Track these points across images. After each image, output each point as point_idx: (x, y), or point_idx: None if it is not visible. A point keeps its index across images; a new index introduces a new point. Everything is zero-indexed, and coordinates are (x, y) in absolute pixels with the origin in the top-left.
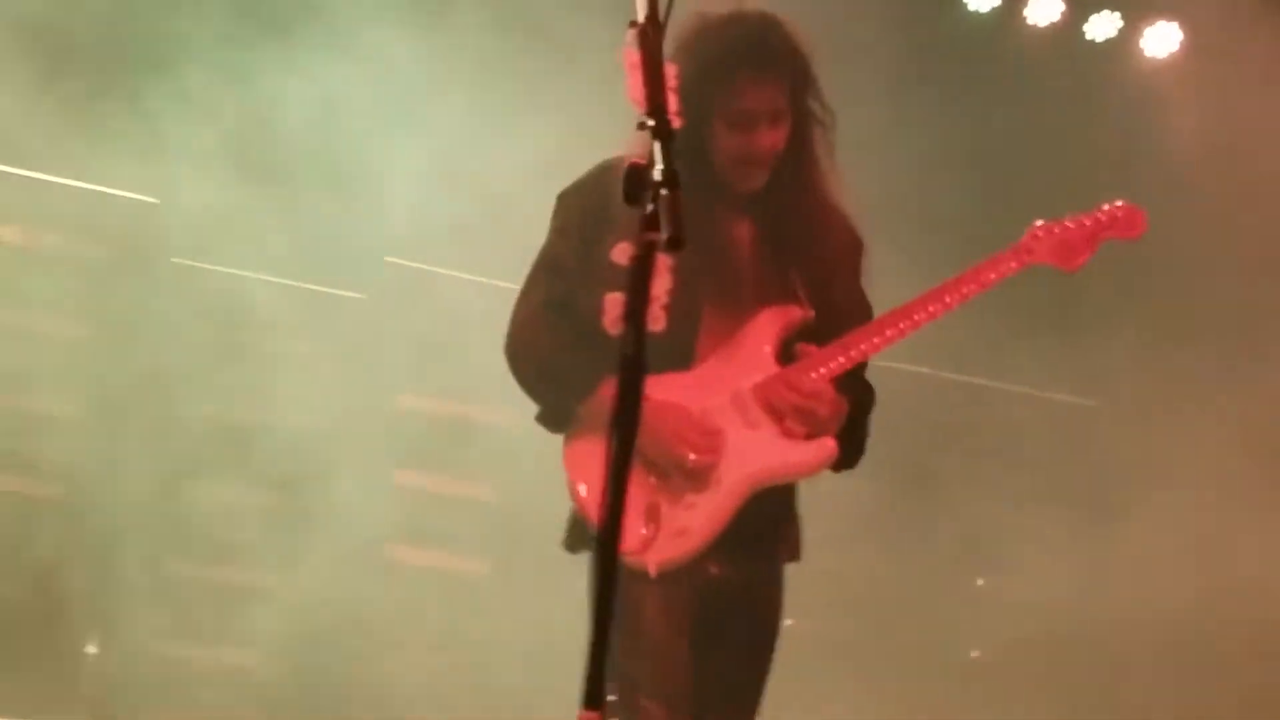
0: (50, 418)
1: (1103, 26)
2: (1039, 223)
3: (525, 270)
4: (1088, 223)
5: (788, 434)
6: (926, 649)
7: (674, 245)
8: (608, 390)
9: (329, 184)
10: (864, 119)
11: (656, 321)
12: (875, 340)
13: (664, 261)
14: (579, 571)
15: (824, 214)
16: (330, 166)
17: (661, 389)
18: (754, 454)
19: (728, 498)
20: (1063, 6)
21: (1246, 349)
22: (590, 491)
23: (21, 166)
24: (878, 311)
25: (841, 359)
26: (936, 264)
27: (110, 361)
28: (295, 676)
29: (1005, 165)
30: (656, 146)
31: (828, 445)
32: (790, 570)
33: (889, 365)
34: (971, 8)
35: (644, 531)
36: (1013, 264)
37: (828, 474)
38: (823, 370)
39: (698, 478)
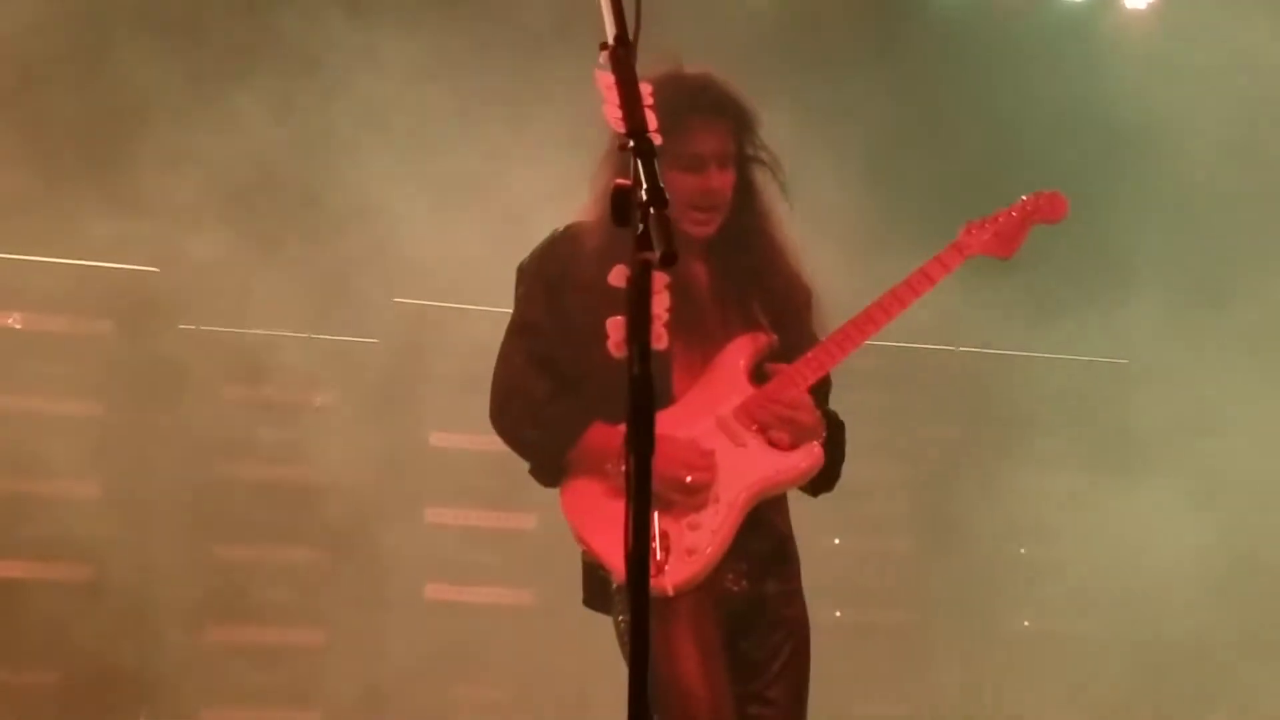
0: (73, 500)
1: None
2: (971, 221)
3: None
4: (1015, 214)
5: (775, 444)
6: (978, 624)
7: (667, 261)
8: (595, 434)
9: (326, 231)
10: (839, 86)
11: (659, 340)
12: (844, 346)
13: (660, 279)
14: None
15: (776, 260)
16: (325, 212)
17: None
18: (746, 468)
19: (729, 512)
20: None
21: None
22: (596, 533)
23: (13, 250)
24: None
25: (815, 367)
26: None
27: (126, 435)
28: None
29: (995, 132)
30: (639, 165)
31: (814, 451)
32: (835, 563)
33: (912, 346)
34: None
35: (658, 558)
36: (954, 260)
37: (863, 462)
38: (799, 381)
39: (697, 498)
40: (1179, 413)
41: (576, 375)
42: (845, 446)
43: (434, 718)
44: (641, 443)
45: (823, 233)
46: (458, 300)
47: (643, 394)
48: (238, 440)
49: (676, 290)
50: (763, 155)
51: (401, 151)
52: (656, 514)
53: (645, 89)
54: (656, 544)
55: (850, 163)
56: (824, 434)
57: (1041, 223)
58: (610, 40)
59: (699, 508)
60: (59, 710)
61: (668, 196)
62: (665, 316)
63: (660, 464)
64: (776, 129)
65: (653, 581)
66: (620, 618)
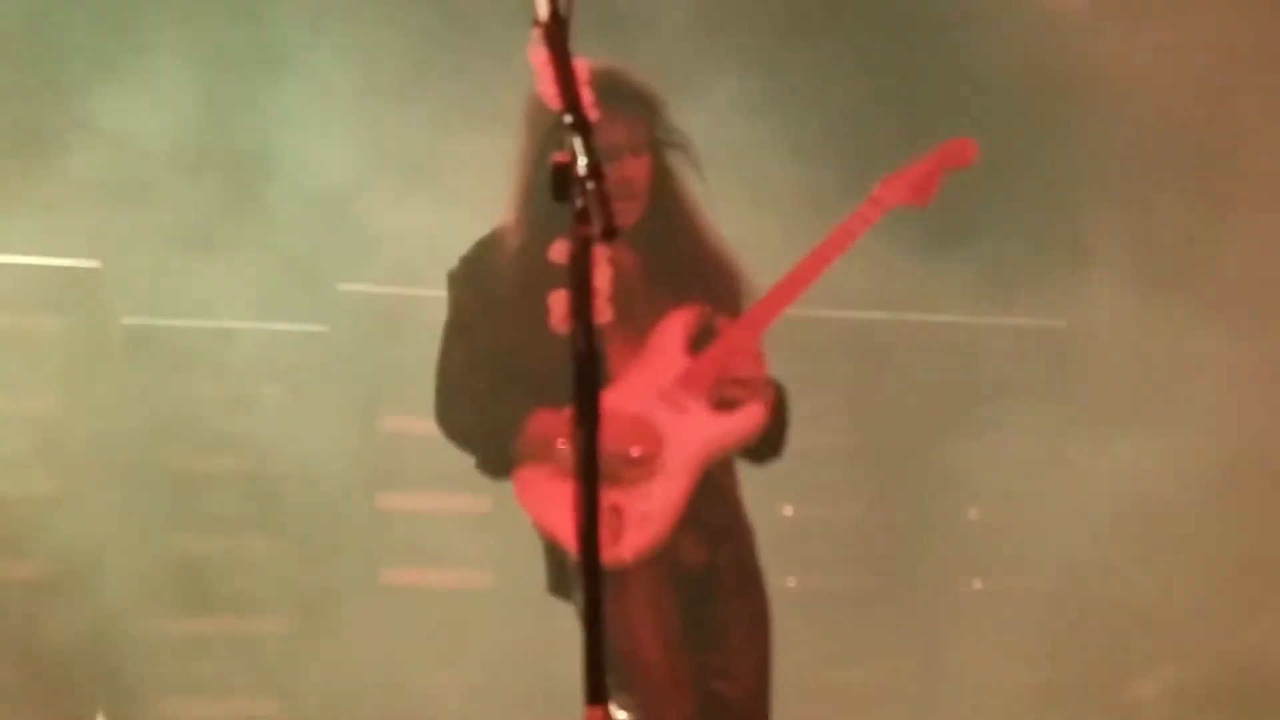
0: (30, 499)
1: None
2: (885, 175)
3: None
4: (925, 162)
5: (732, 402)
6: (930, 588)
7: (608, 235)
8: (538, 420)
9: (271, 219)
10: (779, 54)
11: (603, 313)
12: (773, 308)
13: (602, 253)
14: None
15: (700, 242)
16: (270, 201)
17: None
18: (691, 434)
19: (678, 477)
20: None
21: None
22: (550, 515)
23: None
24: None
25: (747, 330)
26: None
27: (79, 431)
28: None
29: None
30: (577, 141)
31: (755, 412)
32: (788, 532)
33: (858, 315)
34: None
35: (615, 528)
36: (873, 214)
37: (812, 431)
38: (734, 343)
39: (645, 469)
40: (1128, 378)
41: (513, 369)
42: (788, 413)
43: (394, 704)
44: (589, 414)
45: (760, 200)
46: (406, 285)
47: (588, 367)
48: (188, 432)
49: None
50: (675, 138)
51: (349, 134)
52: (608, 489)
53: (581, 65)
54: (611, 517)
55: (790, 132)
56: (772, 391)
57: (952, 168)
58: (543, 17)
59: (649, 478)
60: (13, 709)
61: (605, 171)
62: (607, 290)
63: (605, 440)
64: (714, 99)
65: (611, 552)
66: (576, 594)
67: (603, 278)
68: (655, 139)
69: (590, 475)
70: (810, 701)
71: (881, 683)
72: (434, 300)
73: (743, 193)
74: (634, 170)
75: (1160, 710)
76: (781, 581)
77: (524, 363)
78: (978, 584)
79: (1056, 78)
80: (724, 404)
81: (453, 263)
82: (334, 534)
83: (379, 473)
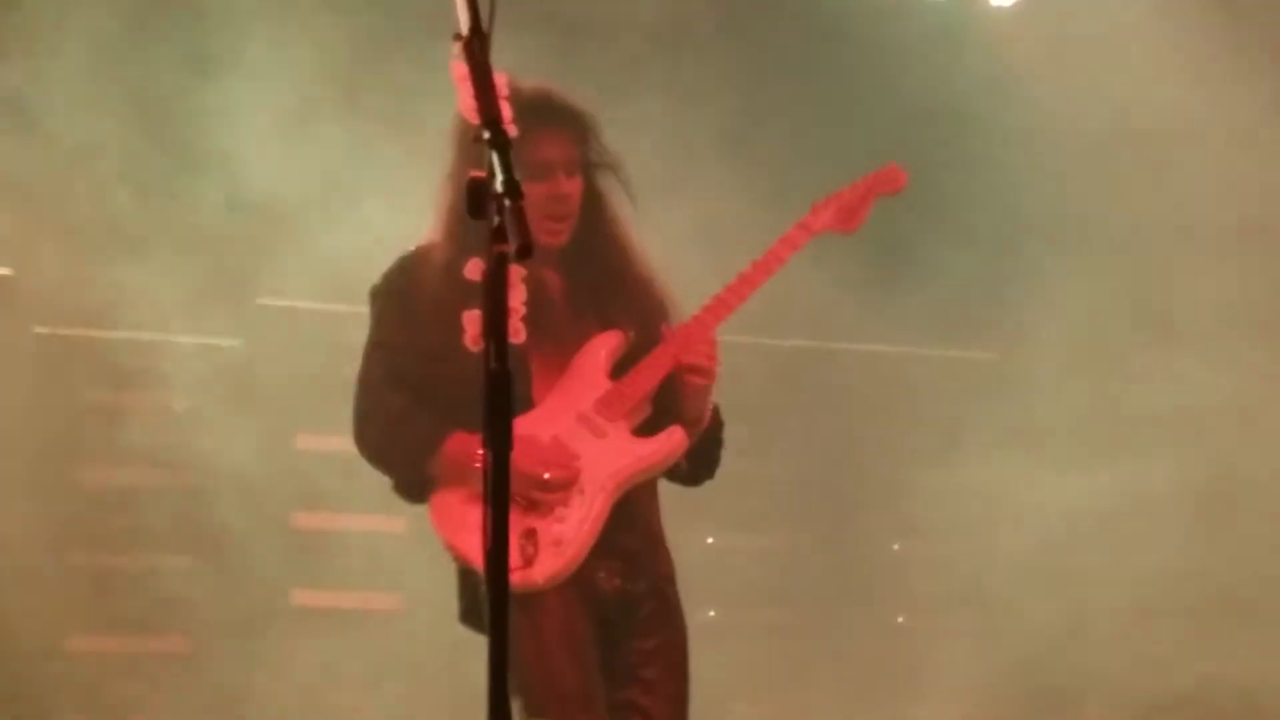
0: None
1: None
2: (817, 201)
3: None
4: (858, 187)
5: (642, 431)
6: (853, 622)
7: (523, 254)
8: (454, 442)
9: (188, 229)
10: (700, 68)
11: (516, 334)
12: (700, 332)
13: (516, 272)
14: None
15: (628, 266)
16: (189, 212)
17: None
18: (609, 457)
19: (593, 501)
20: None
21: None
22: (463, 537)
23: None
24: None
25: (668, 357)
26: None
27: None
28: None
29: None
30: (494, 157)
31: (675, 434)
32: (708, 562)
33: (782, 344)
34: None
35: (529, 551)
36: (801, 238)
37: (739, 459)
38: (659, 367)
39: (559, 494)
40: (1058, 412)
41: (433, 389)
42: (723, 433)
43: None
44: (499, 436)
45: (690, 228)
46: (323, 300)
47: (500, 387)
48: (97, 446)
49: (531, 300)
50: (607, 159)
51: (274, 145)
52: (523, 512)
53: (501, 80)
54: (525, 541)
55: (711, 145)
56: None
57: (883, 194)
58: (464, 31)
59: (564, 502)
60: None
61: (523, 189)
62: (522, 310)
63: (519, 462)
64: (642, 108)
65: (522, 574)
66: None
67: (517, 297)
68: (588, 160)
69: (500, 497)
70: None
71: (798, 716)
72: (356, 316)
73: (674, 219)
74: (568, 188)
75: None
76: (702, 612)
77: (443, 383)
78: (901, 619)
79: (992, 111)
80: (644, 428)
81: (371, 278)
82: (247, 553)
83: (295, 491)
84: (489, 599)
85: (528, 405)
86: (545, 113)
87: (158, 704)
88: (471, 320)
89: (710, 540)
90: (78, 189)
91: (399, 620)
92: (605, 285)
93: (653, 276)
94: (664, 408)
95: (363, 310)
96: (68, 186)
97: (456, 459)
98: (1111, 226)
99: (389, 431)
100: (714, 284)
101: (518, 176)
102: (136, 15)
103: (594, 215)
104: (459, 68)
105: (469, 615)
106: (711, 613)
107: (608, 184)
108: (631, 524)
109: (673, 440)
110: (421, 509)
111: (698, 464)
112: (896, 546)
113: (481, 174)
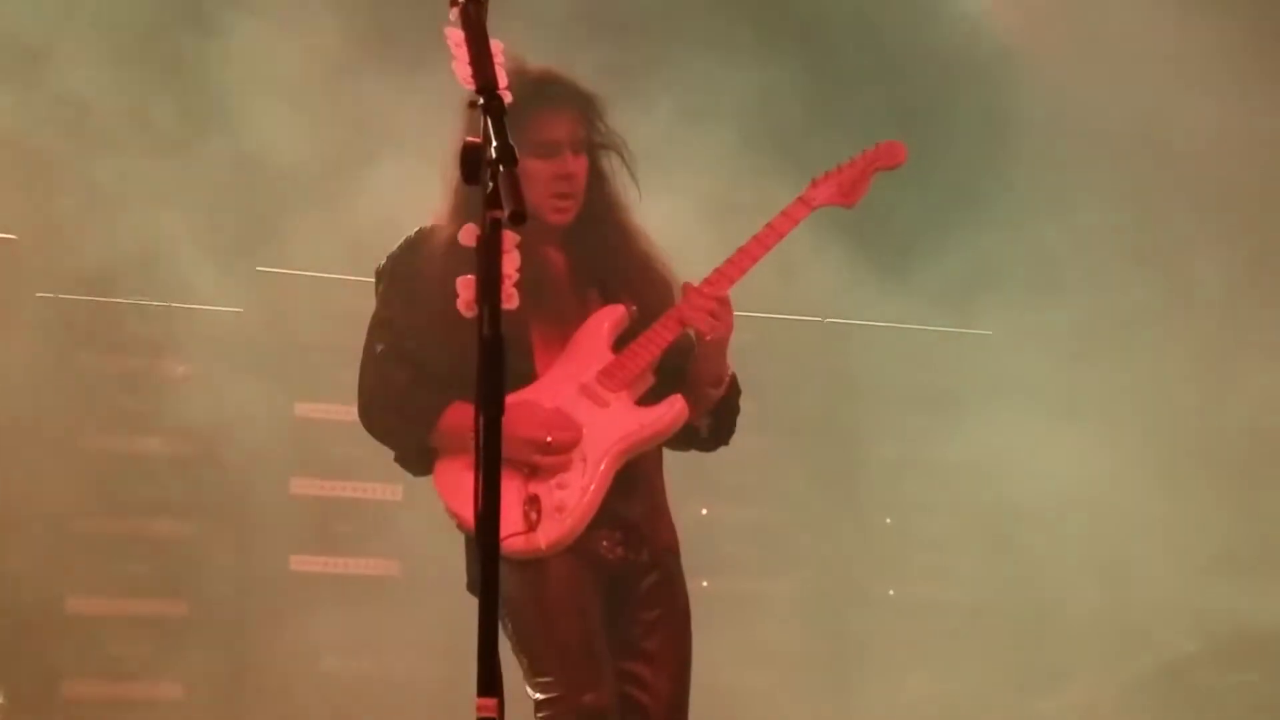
0: None
1: None
2: (816, 177)
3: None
4: (858, 162)
5: (644, 401)
6: (844, 594)
7: (516, 220)
8: (455, 412)
9: (190, 196)
10: (709, 45)
11: (510, 299)
12: (710, 294)
13: (510, 238)
14: None
15: (631, 246)
16: (192, 177)
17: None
18: (611, 426)
19: (595, 468)
20: None
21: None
22: (467, 505)
23: None
24: None
25: (670, 329)
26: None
27: None
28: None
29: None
30: (489, 123)
31: (677, 403)
32: (702, 533)
33: (778, 317)
34: None
35: (533, 517)
36: (801, 212)
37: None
38: (660, 341)
39: (561, 458)
40: (1049, 391)
41: (435, 364)
42: (738, 400)
43: (299, 690)
44: (493, 399)
45: (692, 206)
46: (323, 269)
47: (493, 353)
48: (99, 411)
49: (534, 274)
50: (611, 140)
51: (279, 111)
52: (525, 477)
53: (496, 47)
54: (528, 507)
55: (719, 119)
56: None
57: (882, 169)
58: None
59: (565, 468)
60: None
61: (517, 155)
62: (515, 276)
63: (521, 428)
64: (649, 84)
65: (526, 539)
66: None
67: (511, 263)
68: (592, 141)
69: (492, 459)
70: (719, 705)
71: (791, 687)
72: (357, 285)
73: (675, 198)
74: (574, 167)
75: None
76: (695, 582)
77: (445, 356)
78: (891, 591)
79: (998, 88)
80: (647, 398)
81: (376, 247)
82: (246, 518)
83: (293, 458)
84: (479, 559)
85: (530, 378)
86: (552, 93)
87: (158, 666)
88: (465, 285)
89: (704, 512)
90: (82, 154)
91: (394, 585)
92: (608, 263)
93: (655, 255)
94: (667, 378)
95: (363, 279)
96: (72, 151)
97: (456, 428)
98: (1115, 200)
99: (392, 405)
100: (717, 259)
101: (511, 141)
102: None
103: (597, 195)
104: (454, 34)
105: (476, 585)
106: (705, 583)
107: (612, 165)
108: (635, 495)
109: (675, 409)
110: (417, 479)
111: (716, 429)
112: (889, 520)
113: (476, 139)
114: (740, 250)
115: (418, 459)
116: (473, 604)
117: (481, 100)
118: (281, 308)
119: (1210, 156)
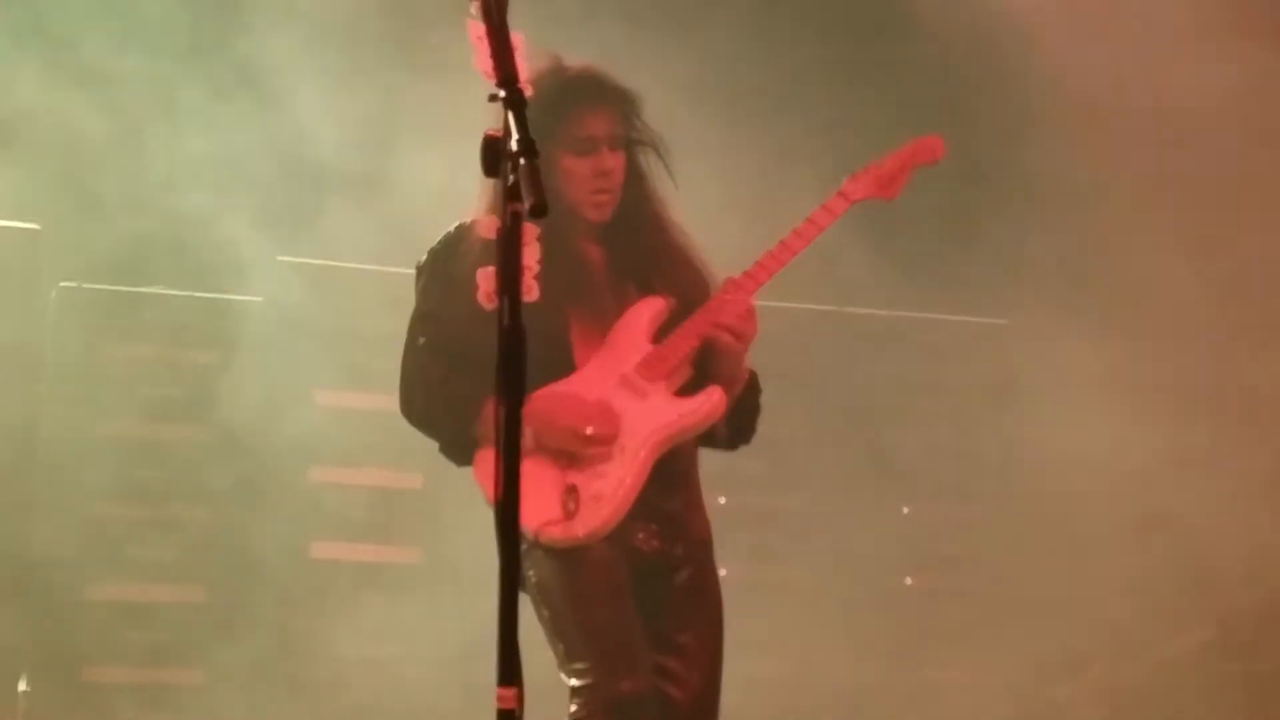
0: None
1: None
2: (856, 170)
3: (412, 254)
4: (897, 156)
5: (683, 393)
6: (861, 582)
7: (537, 212)
8: (493, 404)
9: (209, 188)
10: (732, 29)
11: (530, 291)
12: (739, 297)
13: (531, 230)
14: None
15: (669, 242)
16: (206, 170)
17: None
18: (649, 417)
19: (634, 460)
20: None
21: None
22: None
23: None
24: None
25: (710, 320)
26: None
27: (5, 394)
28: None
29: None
30: (510, 116)
31: (714, 394)
32: (721, 519)
33: (798, 307)
34: None
35: (571, 506)
36: (841, 205)
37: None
38: (693, 335)
39: (601, 448)
40: (1060, 372)
41: (475, 356)
42: (759, 399)
43: (318, 676)
44: (513, 389)
45: (728, 200)
46: (345, 259)
47: (513, 342)
48: (119, 398)
49: (572, 268)
50: (648, 137)
51: (303, 99)
52: (565, 466)
53: (517, 39)
54: (566, 496)
55: (762, 134)
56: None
57: (921, 164)
58: None
59: (605, 458)
60: None
61: (538, 148)
62: (535, 268)
63: (563, 418)
64: (673, 73)
65: (563, 528)
66: (530, 572)
67: (531, 255)
68: (630, 138)
69: (512, 448)
70: (737, 693)
71: (809, 675)
72: (375, 275)
73: (712, 193)
74: (612, 163)
75: (1085, 712)
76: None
77: (485, 348)
78: (909, 580)
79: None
80: (685, 390)
81: (399, 238)
82: (265, 505)
83: (314, 446)
84: (499, 547)
85: (570, 369)
86: (590, 90)
87: (180, 652)
88: (485, 277)
89: (722, 500)
90: (105, 143)
91: (414, 573)
92: (645, 258)
93: (691, 250)
94: (704, 370)
95: (385, 269)
96: (93, 142)
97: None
98: (1144, 187)
99: (434, 397)
100: (755, 251)
101: (532, 135)
102: None
103: (634, 191)
104: (475, 27)
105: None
106: (722, 571)
107: (649, 161)
108: (672, 487)
109: (712, 400)
110: (435, 463)
111: (735, 429)
112: (906, 509)
113: (497, 132)
114: (780, 244)
115: (461, 449)
116: (491, 587)
117: (503, 93)
118: (302, 297)
119: (1245, 139)
